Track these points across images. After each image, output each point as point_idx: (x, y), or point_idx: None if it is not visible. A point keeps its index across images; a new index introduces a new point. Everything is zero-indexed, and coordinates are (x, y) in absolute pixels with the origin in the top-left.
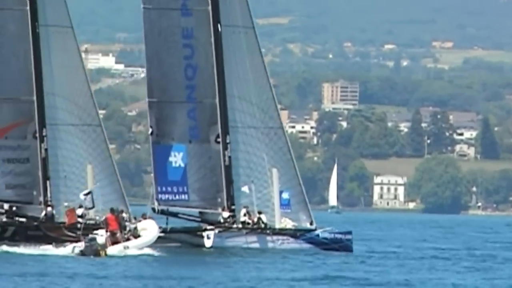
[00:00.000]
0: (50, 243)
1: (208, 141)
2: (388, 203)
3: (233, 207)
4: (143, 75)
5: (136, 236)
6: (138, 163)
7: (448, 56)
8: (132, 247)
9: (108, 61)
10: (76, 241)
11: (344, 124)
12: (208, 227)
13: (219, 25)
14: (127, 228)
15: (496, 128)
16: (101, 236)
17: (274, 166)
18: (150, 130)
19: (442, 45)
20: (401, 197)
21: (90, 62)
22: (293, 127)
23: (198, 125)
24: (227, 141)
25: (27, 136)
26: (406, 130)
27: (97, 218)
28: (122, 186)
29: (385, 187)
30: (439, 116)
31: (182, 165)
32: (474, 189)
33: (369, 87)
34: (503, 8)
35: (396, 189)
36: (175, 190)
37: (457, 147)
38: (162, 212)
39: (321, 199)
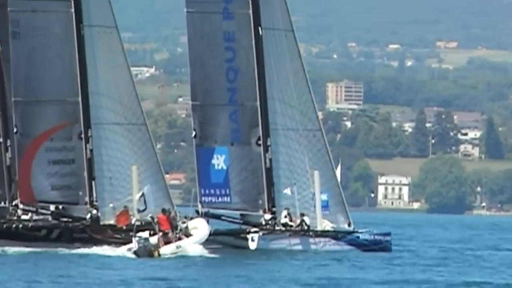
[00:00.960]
0: (96, 245)
1: (249, 143)
2: (392, 203)
3: (274, 209)
4: (147, 75)
5: (188, 235)
6: None
7: (453, 56)
8: (185, 246)
9: None
10: (123, 243)
11: (349, 124)
12: (253, 230)
13: (260, 28)
14: (179, 228)
15: (500, 128)
16: (153, 236)
17: (313, 168)
18: (194, 133)
19: (446, 45)
20: (406, 197)
21: None
22: None
23: (239, 128)
24: (268, 143)
25: (73, 137)
26: (410, 130)
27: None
28: (167, 184)
29: (389, 187)
30: (443, 116)
31: (225, 167)
32: (479, 189)
33: (373, 87)
34: (507, 8)
35: (400, 189)
36: (217, 192)
37: (462, 147)
38: (206, 214)
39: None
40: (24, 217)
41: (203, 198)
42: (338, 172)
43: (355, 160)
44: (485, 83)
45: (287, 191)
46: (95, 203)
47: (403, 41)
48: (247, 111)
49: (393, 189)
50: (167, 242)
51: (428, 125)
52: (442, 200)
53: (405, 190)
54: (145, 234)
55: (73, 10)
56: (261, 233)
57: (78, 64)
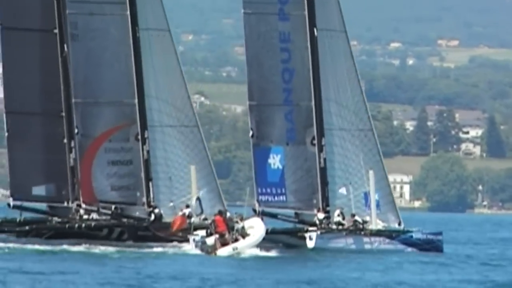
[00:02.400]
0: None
1: (304, 143)
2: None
3: (327, 208)
4: None
5: (244, 235)
6: None
7: (454, 54)
8: (241, 248)
9: None
10: (185, 241)
11: None
12: (310, 229)
13: (315, 29)
14: (235, 228)
15: (502, 127)
16: (209, 237)
17: (365, 167)
18: (251, 132)
19: (448, 44)
20: (407, 195)
21: None
22: None
23: (294, 128)
24: (322, 143)
25: (130, 138)
26: (412, 128)
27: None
28: (219, 186)
29: (391, 185)
30: (445, 115)
31: (280, 167)
32: (480, 187)
33: (375, 85)
34: (509, 6)
35: (401, 188)
36: (273, 191)
37: (463, 146)
38: (263, 213)
39: None
40: (85, 216)
41: (260, 197)
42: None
43: None
44: (486, 82)
45: (343, 190)
46: (152, 203)
47: (405, 39)
48: (302, 111)
49: (394, 187)
50: (224, 243)
51: (429, 123)
52: (444, 198)
53: (406, 188)
54: (202, 232)
55: (128, 13)
56: (319, 232)
57: (134, 66)
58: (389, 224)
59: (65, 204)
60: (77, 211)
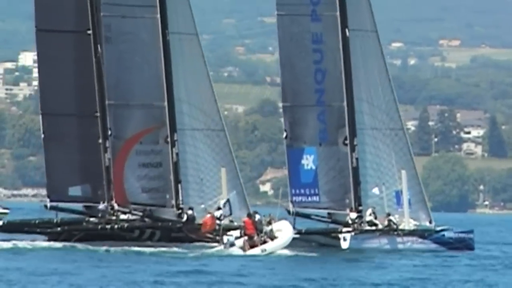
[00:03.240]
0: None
1: (336, 143)
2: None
3: (360, 208)
4: None
5: (273, 238)
6: None
7: (456, 54)
8: (270, 250)
9: None
10: (216, 242)
11: None
12: (344, 229)
13: (347, 30)
14: (263, 231)
15: (503, 127)
16: (238, 239)
17: (396, 166)
18: (285, 134)
19: (449, 44)
20: None
21: None
22: None
23: (327, 128)
24: (355, 143)
25: (159, 141)
26: (413, 128)
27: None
28: (244, 189)
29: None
30: (446, 115)
31: (313, 167)
32: (482, 187)
33: None
34: (511, 6)
35: None
36: (307, 192)
37: (465, 146)
38: (297, 213)
39: None
40: (123, 217)
41: (293, 198)
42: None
43: None
44: (488, 82)
45: (375, 190)
46: (181, 205)
47: (406, 39)
48: (334, 112)
49: None
50: (253, 245)
51: (431, 123)
52: (445, 198)
53: None
54: (236, 233)
55: (158, 16)
56: (353, 233)
57: (164, 69)
58: (420, 223)
59: (101, 204)
60: (113, 212)
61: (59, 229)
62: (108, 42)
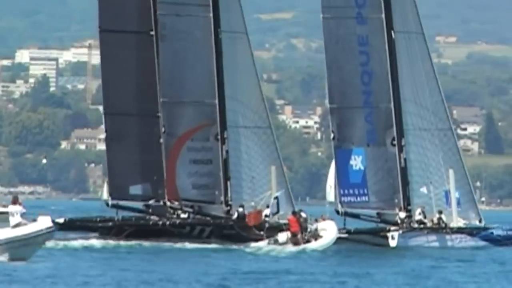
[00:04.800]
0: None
1: (384, 144)
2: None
3: (409, 207)
4: None
5: (317, 237)
6: None
7: (452, 51)
8: (311, 249)
9: None
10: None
11: None
12: (392, 228)
13: (392, 32)
14: (308, 229)
15: (500, 123)
16: (282, 236)
17: (444, 166)
18: (332, 135)
19: (446, 40)
20: None
21: (94, 57)
22: (297, 122)
23: (375, 129)
24: (402, 143)
25: (210, 138)
26: None
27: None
28: (290, 188)
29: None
30: None
31: (362, 168)
32: (478, 184)
33: None
34: (507, 2)
35: None
36: (356, 192)
37: (461, 142)
38: (345, 214)
39: (325, 194)
40: (183, 216)
41: (342, 198)
42: (332, 167)
43: None
44: (484, 78)
45: (423, 189)
46: (229, 202)
47: None
48: (382, 113)
49: None
50: (295, 243)
51: None
52: None
53: None
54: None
55: (211, 15)
56: (400, 231)
57: (216, 67)
58: (469, 221)
59: (161, 202)
60: (174, 209)
61: (110, 224)
62: (162, 40)
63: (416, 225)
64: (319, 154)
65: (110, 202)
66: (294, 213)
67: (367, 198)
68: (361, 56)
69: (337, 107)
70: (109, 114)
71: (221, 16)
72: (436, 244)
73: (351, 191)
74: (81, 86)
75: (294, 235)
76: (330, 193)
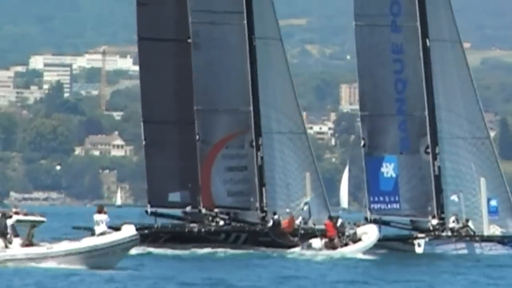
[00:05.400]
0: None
1: (418, 152)
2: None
3: (443, 215)
4: None
5: (356, 241)
6: None
7: (466, 57)
8: (349, 253)
9: (126, 63)
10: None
11: None
12: (419, 235)
13: (427, 40)
14: (346, 234)
15: None
16: (317, 241)
17: (481, 175)
18: (362, 142)
19: None
20: None
21: (108, 63)
22: (311, 128)
23: (408, 137)
24: (437, 151)
25: (245, 145)
26: None
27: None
28: (325, 192)
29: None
30: None
31: (394, 175)
32: None
33: None
34: None
35: None
36: (387, 199)
37: None
38: (375, 221)
39: (339, 200)
40: (222, 223)
41: (372, 205)
42: (345, 173)
43: None
44: (498, 84)
45: (454, 197)
46: (265, 208)
47: None
48: (416, 121)
49: None
50: (332, 247)
51: None
52: None
53: None
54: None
55: (245, 22)
56: (427, 239)
57: (250, 74)
58: (508, 230)
59: (197, 209)
60: (212, 217)
61: (146, 231)
62: (196, 49)
63: (449, 233)
64: (333, 160)
65: (149, 210)
66: (330, 217)
67: (398, 206)
68: (395, 64)
69: (368, 114)
70: (147, 122)
71: (255, 23)
72: (465, 251)
73: (381, 198)
74: (95, 92)
75: (331, 239)
76: (344, 199)
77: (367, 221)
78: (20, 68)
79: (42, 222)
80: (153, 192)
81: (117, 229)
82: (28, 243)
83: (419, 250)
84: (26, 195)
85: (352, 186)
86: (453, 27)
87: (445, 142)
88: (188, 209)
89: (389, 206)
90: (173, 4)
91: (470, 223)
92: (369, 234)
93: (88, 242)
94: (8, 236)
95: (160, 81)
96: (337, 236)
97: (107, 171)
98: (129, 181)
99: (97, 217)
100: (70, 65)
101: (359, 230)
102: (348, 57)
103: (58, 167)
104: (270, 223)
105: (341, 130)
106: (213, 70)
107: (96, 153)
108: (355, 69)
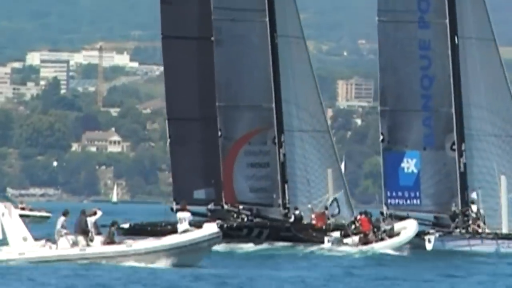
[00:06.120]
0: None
1: (443, 148)
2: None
3: (467, 212)
4: (157, 73)
5: (392, 235)
6: (153, 161)
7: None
8: (381, 248)
9: (122, 59)
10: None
11: (359, 121)
12: (431, 231)
13: (456, 37)
14: (381, 229)
15: None
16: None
17: (503, 173)
18: (381, 137)
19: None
20: None
21: (105, 59)
22: None
23: (433, 133)
24: (462, 148)
25: (267, 141)
26: None
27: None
28: (348, 189)
29: None
30: None
31: (415, 171)
32: None
33: None
34: None
35: None
36: (406, 195)
37: None
38: (391, 216)
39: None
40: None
41: (389, 200)
42: (342, 168)
43: (365, 158)
44: None
45: (473, 194)
46: (287, 205)
47: None
48: (442, 117)
49: None
50: (366, 242)
51: None
52: None
53: None
54: (337, 234)
55: (267, 19)
56: (437, 235)
57: (272, 71)
58: None
59: (220, 206)
60: (237, 213)
61: (169, 227)
62: (218, 45)
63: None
64: None
65: (174, 207)
66: (365, 213)
67: (419, 201)
68: (422, 60)
69: (389, 109)
70: (172, 119)
71: (277, 20)
72: (477, 248)
73: (399, 194)
74: (92, 89)
75: (365, 234)
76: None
77: (383, 216)
78: (16, 64)
79: (48, 217)
80: (178, 189)
81: (199, 226)
82: (110, 241)
83: (428, 246)
84: (23, 191)
85: (349, 182)
86: (485, 25)
87: (472, 139)
88: (210, 205)
89: (408, 201)
90: (196, 2)
91: (479, 222)
92: (408, 229)
93: (171, 239)
94: (90, 234)
95: (184, 79)
96: (372, 231)
97: (103, 167)
98: (125, 177)
99: (180, 214)
100: (67, 61)
101: (398, 225)
102: (345, 53)
103: (55, 163)
104: (292, 218)
105: (337, 127)
106: (234, 66)
107: (93, 149)
108: (352, 65)
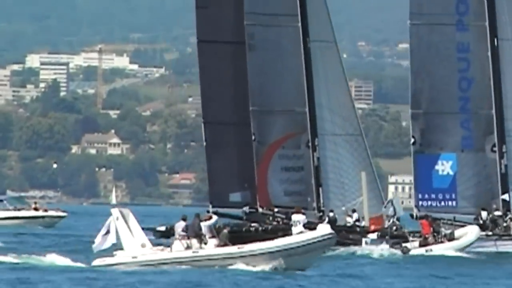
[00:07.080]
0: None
1: (483, 150)
2: (402, 202)
3: (508, 213)
4: (157, 75)
5: (451, 239)
6: (153, 163)
7: None
8: (437, 250)
9: (122, 61)
10: (355, 244)
11: None
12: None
13: (495, 39)
14: (441, 233)
15: None
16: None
17: None
18: (412, 140)
19: None
20: None
21: (104, 62)
22: None
23: (472, 135)
24: (503, 150)
25: (301, 145)
26: None
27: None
28: (381, 191)
29: (399, 186)
30: None
31: (451, 173)
32: None
33: (383, 86)
34: None
35: (410, 189)
36: (440, 197)
37: None
38: (421, 218)
39: None
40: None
41: (420, 203)
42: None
43: None
44: None
45: (505, 196)
46: (322, 208)
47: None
48: (481, 119)
49: (403, 188)
50: (425, 245)
51: None
52: None
53: None
54: (373, 235)
55: (300, 24)
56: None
57: (305, 76)
58: None
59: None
60: (273, 216)
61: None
62: (251, 50)
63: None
64: None
65: (210, 210)
66: (426, 216)
67: (455, 203)
68: (460, 63)
69: (423, 112)
70: (208, 123)
71: (310, 25)
72: (503, 249)
73: (433, 196)
74: (91, 91)
75: (425, 238)
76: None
77: (412, 218)
78: (16, 67)
79: (63, 217)
80: (214, 193)
81: (313, 228)
82: (224, 244)
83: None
84: (23, 194)
85: None
86: None
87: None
88: (245, 208)
89: (442, 203)
90: (231, 7)
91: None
92: (468, 234)
93: (284, 241)
94: (203, 237)
95: (219, 83)
96: (432, 235)
97: (103, 169)
98: (125, 179)
99: (295, 217)
100: (66, 64)
101: (460, 231)
102: (345, 55)
103: (55, 166)
104: (326, 221)
105: None
106: (267, 71)
107: (93, 151)
108: (352, 68)
